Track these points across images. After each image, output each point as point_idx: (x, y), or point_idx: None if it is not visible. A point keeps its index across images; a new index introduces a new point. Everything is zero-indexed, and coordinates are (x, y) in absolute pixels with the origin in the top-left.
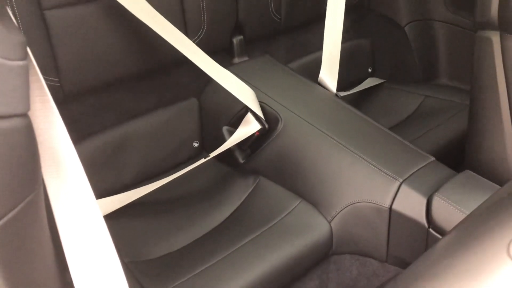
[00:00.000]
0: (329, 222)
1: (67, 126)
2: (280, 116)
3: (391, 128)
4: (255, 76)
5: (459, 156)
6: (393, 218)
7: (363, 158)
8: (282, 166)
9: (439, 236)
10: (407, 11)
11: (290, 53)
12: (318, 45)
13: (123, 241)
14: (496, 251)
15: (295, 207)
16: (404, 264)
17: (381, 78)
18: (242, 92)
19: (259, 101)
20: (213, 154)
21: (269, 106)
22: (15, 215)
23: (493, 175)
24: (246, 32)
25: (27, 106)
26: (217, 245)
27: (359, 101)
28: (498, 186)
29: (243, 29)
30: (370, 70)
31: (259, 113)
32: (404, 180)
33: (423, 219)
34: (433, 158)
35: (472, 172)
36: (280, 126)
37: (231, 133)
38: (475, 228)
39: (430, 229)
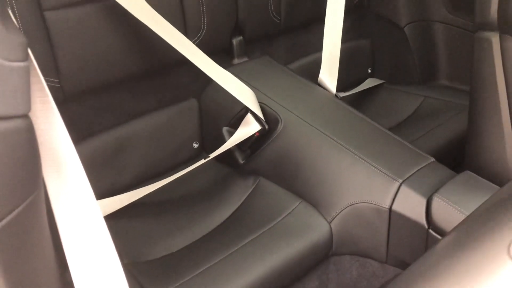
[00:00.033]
0: (329, 223)
1: (67, 127)
2: (280, 116)
3: (391, 129)
4: (255, 76)
5: (459, 156)
6: (393, 219)
7: (363, 159)
8: (282, 166)
9: (439, 237)
10: (407, 12)
11: (290, 53)
12: (317, 46)
13: (123, 242)
14: (496, 252)
15: (295, 207)
16: (404, 264)
17: (380, 78)
18: (242, 92)
19: (259, 102)
20: (213, 154)
21: (269, 106)
22: (16, 216)
23: (493, 176)
24: (246, 32)
25: (28, 107)
26: (217, 245)
27: (359, 102)
28: (498, 187)
29: (243, 30)
30: (369, 70)
31: (259, 113)
32: (404, 181)
33: (423, 220)
34: (433, 159)
35: (472, 173)
36: (280, 126)
37: (231, 133)
38: (475, 229)
39: (430, 230)
